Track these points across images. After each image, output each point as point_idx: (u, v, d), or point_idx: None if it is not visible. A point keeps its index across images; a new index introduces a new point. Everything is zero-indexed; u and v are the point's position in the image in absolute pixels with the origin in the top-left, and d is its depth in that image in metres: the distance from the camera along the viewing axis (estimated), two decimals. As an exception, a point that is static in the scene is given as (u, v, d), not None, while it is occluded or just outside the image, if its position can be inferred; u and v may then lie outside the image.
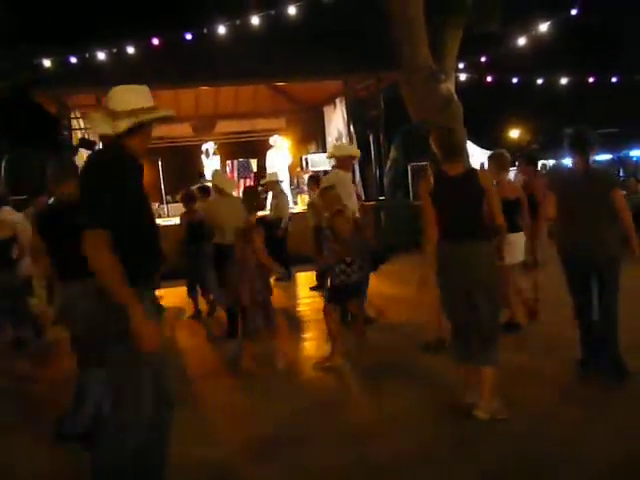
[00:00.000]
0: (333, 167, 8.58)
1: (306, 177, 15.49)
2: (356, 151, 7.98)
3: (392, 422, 4.50)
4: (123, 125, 3.12)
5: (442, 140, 4.57)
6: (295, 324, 7.67)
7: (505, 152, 6.57)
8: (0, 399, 5.69)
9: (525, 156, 7.46)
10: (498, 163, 6.42)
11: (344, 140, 15.24)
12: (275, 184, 10.81)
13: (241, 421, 4.80)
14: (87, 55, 13.86)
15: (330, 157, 8.52)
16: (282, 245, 10.01)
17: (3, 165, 12.10)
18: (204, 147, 14.60)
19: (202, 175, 9.83)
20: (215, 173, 8.66)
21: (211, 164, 14.14)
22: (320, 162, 15.09)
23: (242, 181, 13.64)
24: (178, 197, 10.61)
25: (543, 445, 3.91)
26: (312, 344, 6.91)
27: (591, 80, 17.99)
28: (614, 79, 18.43)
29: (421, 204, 4.56)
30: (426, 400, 4.79)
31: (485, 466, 3.71)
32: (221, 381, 5.84)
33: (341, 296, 5.97)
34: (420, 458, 3.89)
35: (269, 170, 14.34)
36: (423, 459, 3.87)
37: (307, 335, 7.28)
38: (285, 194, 11.35)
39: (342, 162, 7.73)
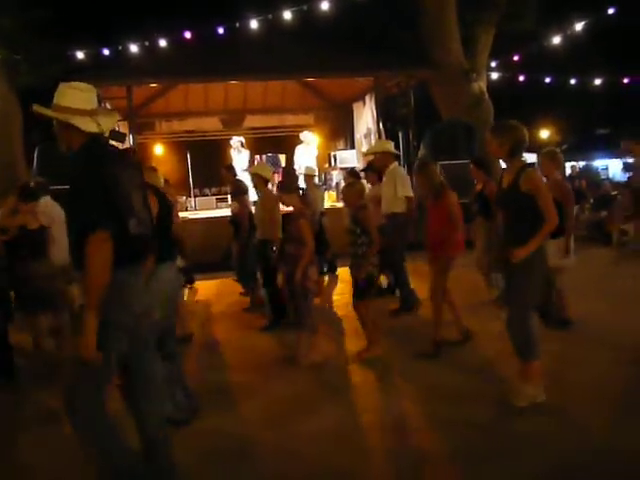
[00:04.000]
0: (369, 163, 8.66)
1: (334, 174, 15.46)
2: (389, 147, 8.01)
3: (415, 419, 4.47)
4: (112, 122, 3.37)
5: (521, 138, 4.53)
6: (330, 318, 7.66)
7: (558, 150, 6.56)
8: (41, 387, 5.73)
9: (476, 160, 7.52)
10: (555, 160, 6.39)
11: (372, 137, 15.17)
12: (311, 178, 10.81)
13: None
14: (119, 47, 13.97)
15: (369, 153, 8.56)
16: (321, 238, 9.95)
17: (36, 155, 12.21)
18: (233, 142, 14.61)
19: (231, 168, 9.73)
20: (261, 165, 8.57)
21: (240, 159, 14.15)
22: (349, 159, 15.03)
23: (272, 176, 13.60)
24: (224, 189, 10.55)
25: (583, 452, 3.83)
26: (349, 337, 6.88)
27: (626, 81, 17.69)
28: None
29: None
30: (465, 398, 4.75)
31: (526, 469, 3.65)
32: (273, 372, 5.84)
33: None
34: (458, 456, 3.85)
35: (297, 165, 14.31)
36: (461, 457, 3.83)
37: (344, 328, 7.27)
38: (319, 189, 11.33)
39: (381, 158, 7.77)
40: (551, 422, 4.20)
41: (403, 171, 8.00)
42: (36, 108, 3.28)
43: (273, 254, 7.22)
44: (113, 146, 3.42)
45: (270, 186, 8.10)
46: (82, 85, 3.32)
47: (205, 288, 10.34)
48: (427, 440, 4.11)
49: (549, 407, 4.41)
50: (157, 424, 3.42)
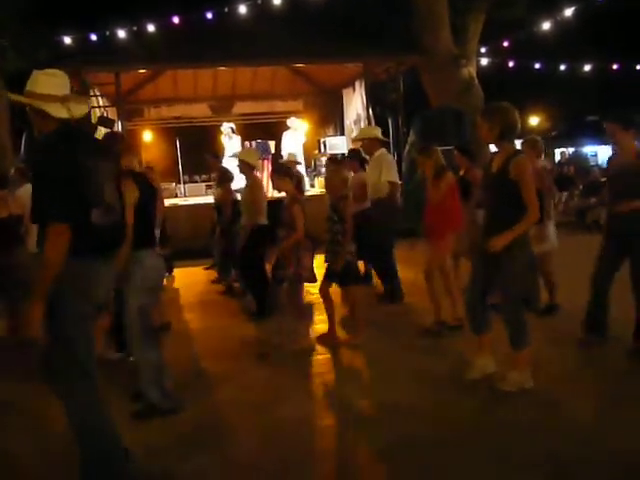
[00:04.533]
0: (351, 151, 8.62)
1: (324, 160, 15.42)
2: (377, 133, 7.98)
3: (401, 406, 4.47)
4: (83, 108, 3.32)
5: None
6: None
7: (539, 138, 6.62)
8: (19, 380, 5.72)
9: (460, 147, 7.56)
10: (535, 149, 6.44)
11: (362, 123, 15.15)
12: (294, 165, 10.79)
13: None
14: (107, 33, 13.86)
15: (357, 139, 8.55)
16: None
17: (23, 141, 12.14)
18: (224, 128, 14.52)
19: (217, 156, 9.75)
20: (248, 151, 8.50)
21: (232, 145, 14.09)
22: (338, 145, 15.01)
23: (260, 162, 13.57)
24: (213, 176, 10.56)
25: (554, 437, 3.86)
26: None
27: (615, 67, 17.72)
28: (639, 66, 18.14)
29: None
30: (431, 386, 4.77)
31: (497, 454, 3.66)
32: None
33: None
34: (435, 442, 3.86)
35: (284, 152, 14.28)
36: (438, 443, 3.84)
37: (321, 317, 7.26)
38: (302, 176, 11.34)
39: (368, 144, 7.76)
40: (540, 411, 4.22)
41: (390, 157, 7.98)
42: (10, 96, 3.29)
43: (261, 240, 7.20)
44: (86, 132, 3.40)
45: (258, 173, 8.08)
46: (54, 71, 3.31)
47: (193, 274, 10.33)
48: (413, 426, 4.11)
49: (537, 396, 4.45)
50: None
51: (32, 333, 2.99)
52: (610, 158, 5.61)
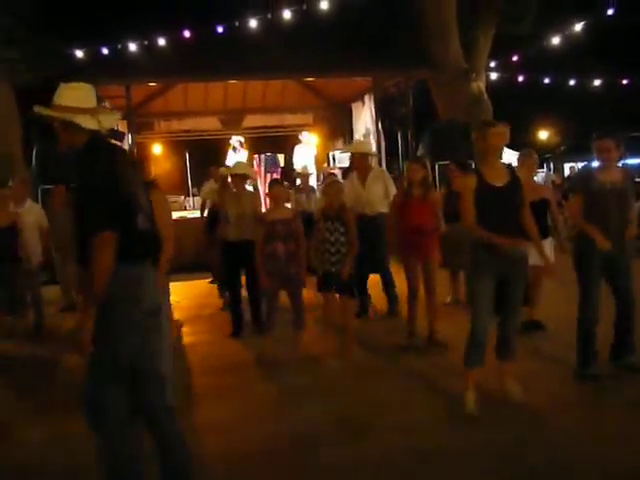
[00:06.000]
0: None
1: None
2: (370, 149, 8.02)
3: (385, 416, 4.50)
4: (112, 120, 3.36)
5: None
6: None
7: (534, 152, 6.61)
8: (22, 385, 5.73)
9: (457, 161, 7.59)
10: (530, 163, 6.44)
11: (371, 137, 15.16)
12: (307, 177, 10.95)
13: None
14: (118, 46, 13.95)
15: (346, 152, 8.60)
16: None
17: (34, 155, 12.21)
18: (232, 141, 14.57)
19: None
20: (241, 164, 8.37)
21: (237, 158, 14.11)
22: (347, 158, 15.04)
23: (269, 175, 13.64)
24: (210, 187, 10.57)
25: (539, 450, 3.84)
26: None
27: (625, 82, 17.71)
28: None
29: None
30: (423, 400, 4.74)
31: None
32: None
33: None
34: (436, 453, 3.83)
35: (296, 165, 14.34)
36: (439, 454, 3.82)
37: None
38: (311, 190, 11.39)
39: (358, 160, 7.76)
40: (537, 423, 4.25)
41: (384, 174, 8.04)
42: (37, 109, 3.26)
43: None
44: (115, 143, 3.43)
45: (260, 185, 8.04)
46: (81, 84, 3.30)
47: (195, 288, 10.31)
48: (412, 439, 4.10)
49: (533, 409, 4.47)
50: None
51: (85, 346, 2.99)
52: (590, 172, 5.49)
